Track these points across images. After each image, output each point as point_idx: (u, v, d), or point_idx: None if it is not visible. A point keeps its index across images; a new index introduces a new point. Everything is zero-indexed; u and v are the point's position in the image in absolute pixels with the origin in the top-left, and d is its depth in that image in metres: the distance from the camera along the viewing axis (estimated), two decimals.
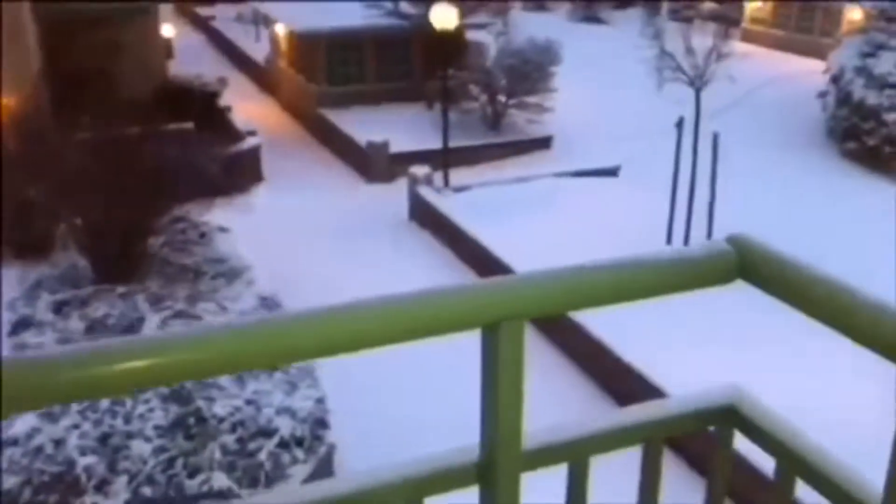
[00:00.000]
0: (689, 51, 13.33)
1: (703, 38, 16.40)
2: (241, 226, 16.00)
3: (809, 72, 23.70)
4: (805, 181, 17.40)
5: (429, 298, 1.19)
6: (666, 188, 14.67)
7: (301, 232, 16.23)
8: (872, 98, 18.56)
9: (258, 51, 28.55)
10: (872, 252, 12.43)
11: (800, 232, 14.77)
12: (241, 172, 18.30)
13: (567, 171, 18.53)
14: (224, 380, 9.58)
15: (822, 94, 20.75)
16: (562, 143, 20.80)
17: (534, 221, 15.40)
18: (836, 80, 20.18)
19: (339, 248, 15.67)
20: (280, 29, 24.81)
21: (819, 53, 25.08)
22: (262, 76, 27.51)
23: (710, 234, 13.89)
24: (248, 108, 23.69)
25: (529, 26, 22.77)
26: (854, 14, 26.41)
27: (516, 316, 1.23)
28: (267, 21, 26.36)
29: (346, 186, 19.36)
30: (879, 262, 11.40)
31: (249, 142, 19.04)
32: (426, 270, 14.89)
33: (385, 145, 19.43)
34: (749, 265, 1.30)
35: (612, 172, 18.66)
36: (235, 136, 19.09)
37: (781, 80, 23.93)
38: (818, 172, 18.16)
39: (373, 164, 19.53)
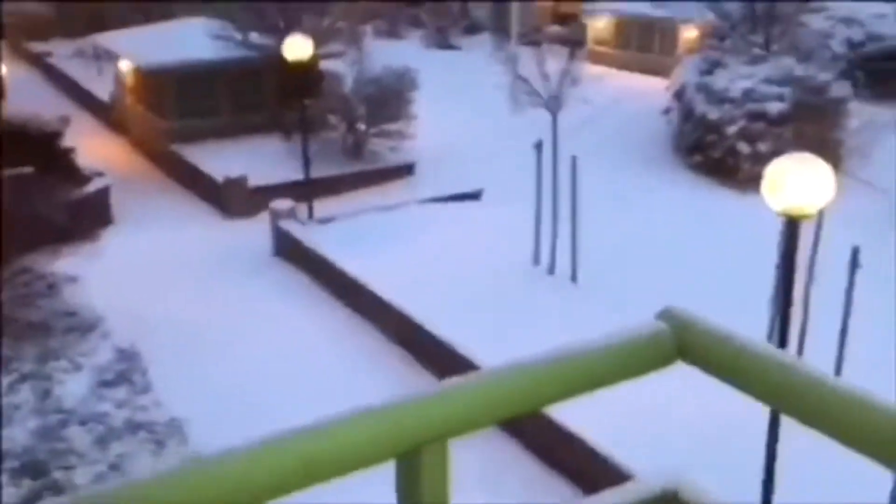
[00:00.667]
0: (544, 76, 13.65)
1: (552, 60, 16.88)
2: (92, 274, 15.05)
3: (653, 89, 24.82)
4: (657, 195, 18.16)
5: (326, 431, 0.96)
6: (529, 210, 14.91)
7: (158, 275, 15.41)
8: (713, 113, 19.61)
9: (102, 87, 27.18)
10: (713, 251, 13.96)
11: (655, 246, 15.39)
12: (88, 216, 17.28)
13: (432, 196, 18.54)
14: (84, 443, 8.88)
15: (667, 111, 21.78)
16: (425, 168, 20.83)
17: (402, 250, 15.26)
18: (678, 96, 21.22)
19: (200, 289, 14.98)
20: (125, 65, 23.71)
21: (661, 71, 26.35)
22: (108, 114, 26.18)
23: (574, 254, 14.19)
24: (94, 148, 22.44)
25: (384, 54, 22.74)
26: (689, 33, 27.97)
27: (438, 437, 1.02)
28: (110, 56, 25.13)
29: (204, 225, 18.60)
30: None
31: (96, 183, 18.00)
32: (294, 308, 14.46)
33: (243, 179, 18.84)
34: (687, 345, 1.15)
35: (475, 196, 18.82)
36: (80, 178, 18.01)
37: (628, 99, 24.96)
38: (668, 186, 18.99)
39: (232, 200, 18.88)
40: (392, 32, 40.56)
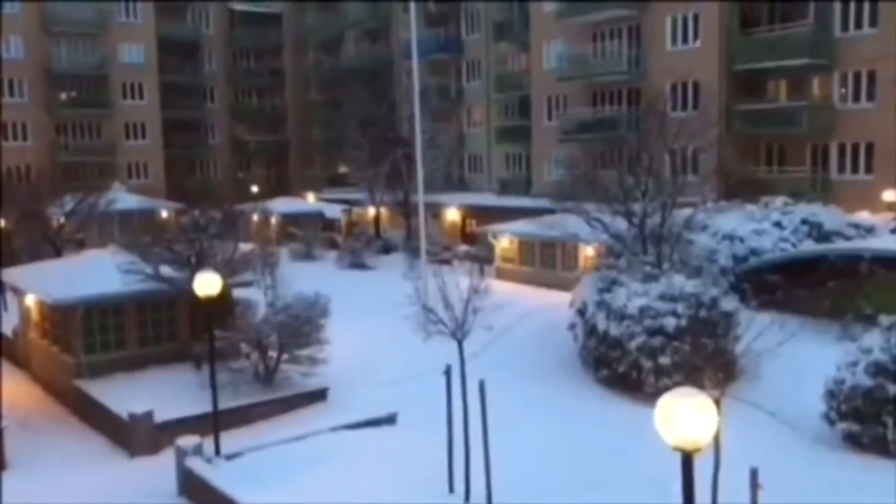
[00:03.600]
0: (447, 305, 14.21)
1: (461, 276, 17.56)
2: None
3: (557, 304, 25.84)
4: (568, 410, 18.46)
5: None
6: (442, 434, 14.90)
7: None
8: (614, 329, 20.46)
9: (6, 321, 26.66)
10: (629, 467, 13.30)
11: (572, 464, 15.44)
12: None
13: (345, 422, 18.32)
14: None
15: (572, 327, 22.59)
16: (338, 393, 20.75)
17: (312, 483, 14.84)
18: (581, 313, 22.13)
19: None
20: (30, 299, 23.47)
21: (564, 286, 27.60)
22: (11, 350, 25.51)
23: (488, 479, 14.09)
24: None
25: (299, 277, 23.19)
26: (588, 251, 29.66)
27: None
28: (16, 290, 24.87)
29: (106, 464, 17.81)
30: None
31: None
32: None
33: (149, 415, 18.33)
34: None
35: (390, 420, 18.71)
36: None
37: (535, 314, 25.87)
38: (578, 400, 19.37)
39: (136, 437, 18.25)
40: (307, 255, 41.66)
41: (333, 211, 49.95)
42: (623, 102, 38.84)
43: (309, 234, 44.33)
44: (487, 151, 50.03)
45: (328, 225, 48.85)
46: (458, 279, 15.88)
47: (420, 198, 29.58)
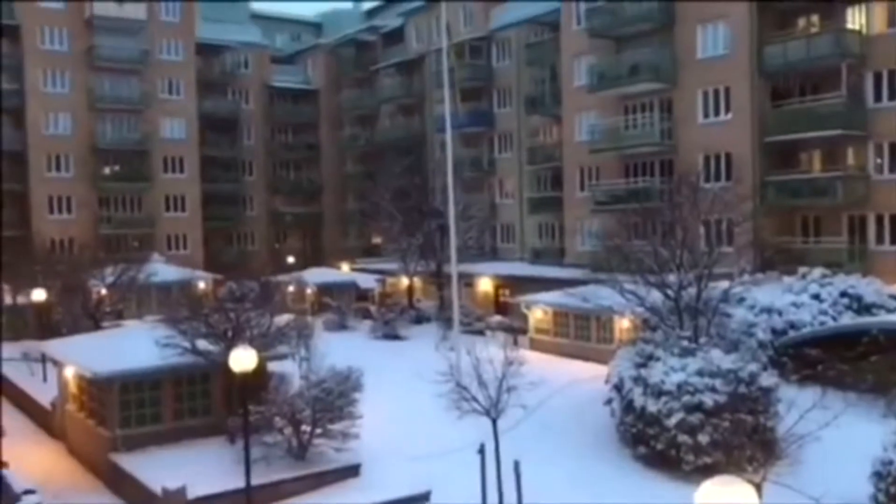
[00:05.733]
0: (481, 383, 14.13)
1: (494, 348, 17.43)
2: None
3: (594, 377, 25.52)
4: (605, 489, 18.03)
5: None
6: None
7: None
8: (651, 405, 20.13)
9: (45, 392, 26.94)
10: None
11: None
12: None
13: (379, 500, 18.12)
14: None
15: (609, 402, 22.25)
16: (370, 469, 20.51)
17: None
18: (618, 388, 21.82)
19: None
20: (69, 371, 23.77)
21: (600, 358, 27.30)
22: (48, 421, 25.73)
23: None
24: (30, 458, 21.83)
25: (333, 347, 23.23)
26: (624, 323, 29.38)
27: None
28: (56, 362, 25.20)
29: None
30: None
31: (26, 503, 17.26)
32: None
33: (182, 491, 18.26)
34: None
35: (424, 498, 18.45)
36: (10, 496, 17.28)
37: (570, 388, 25.53)
38: (617, 479, 18.94)
39: None
40: (342, 325, 41.80)
41: (367, 281, 50.24)
42: (656, 174, 38.96)
43: (343, 305, 44.55)
44: (520, 221, 50.28)
45: (362, 295, 49.07)
46: (491, 352, 15.80)
47: (453, 267, 29.69)
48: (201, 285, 48.23)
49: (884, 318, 24.31)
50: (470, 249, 43.62)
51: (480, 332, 36.03)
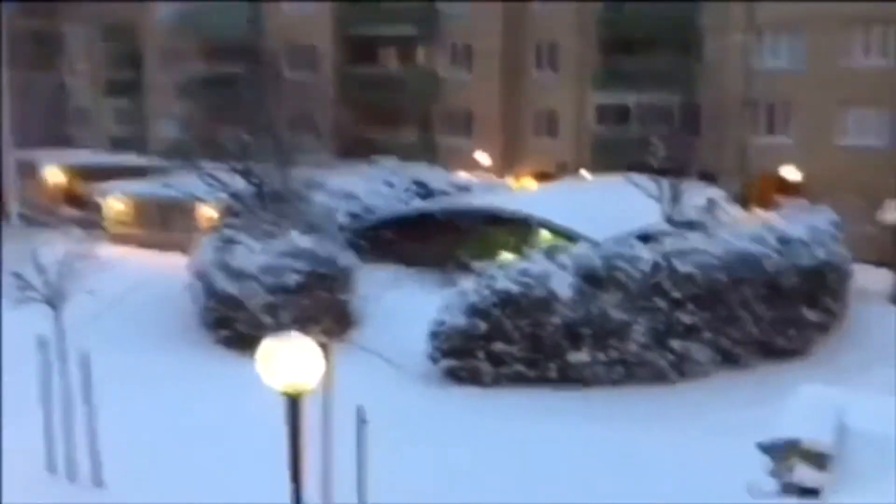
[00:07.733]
0: (40, 268, 12.76)
1: (67, 244, 15.88)
2: None
3: (178, 267, 24.71)
4: (183, 376, 17.84)
5: None
6: (39, 415, 13.49)
7: None
8: (233, 288, 20.12)
9: None
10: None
11: (185, 430, 14.90)
12: None
13: None
14: None
15: (189, 288, 21.79)
16: None
17: None
18: (200, 275, 21.41)
19: None
20: None
21: (185, 249, 26.46)
22: None
23: (95, 456, 13.09)
24: None
25: None
26: (210, 211, 28.75)
27: None
28: None
29: None
30: None
31: None
32: None
33: None
34: None
35: None
36: None
37: (152, 280, 24.47)
38: (196, 364, 18.81)
39: None
40: None
41: None
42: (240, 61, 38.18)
43: None
44: (96, 105, 46.22)
45: None
46: (61, 248, 14.46)
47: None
48: None
49: (445, 201, 27.07)
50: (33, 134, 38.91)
51: (45, 225, 32.74)
